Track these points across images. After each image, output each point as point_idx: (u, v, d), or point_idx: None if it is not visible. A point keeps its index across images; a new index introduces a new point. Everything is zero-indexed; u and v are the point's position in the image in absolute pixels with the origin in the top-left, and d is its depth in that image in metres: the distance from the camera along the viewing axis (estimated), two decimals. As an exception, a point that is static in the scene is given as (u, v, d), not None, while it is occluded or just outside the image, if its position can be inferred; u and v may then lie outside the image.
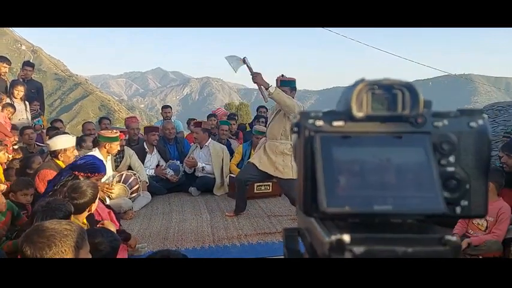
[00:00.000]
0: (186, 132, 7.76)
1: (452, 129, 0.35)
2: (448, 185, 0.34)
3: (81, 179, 3.01)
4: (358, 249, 0.30)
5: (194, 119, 6.86)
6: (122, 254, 2.92)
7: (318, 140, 0.33)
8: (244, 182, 4.23)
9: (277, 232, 3.72)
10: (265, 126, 4.85)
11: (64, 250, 1.29)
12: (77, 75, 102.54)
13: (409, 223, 0.33)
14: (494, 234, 2.98)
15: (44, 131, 5.96)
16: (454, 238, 0.31)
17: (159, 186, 5.36)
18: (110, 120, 6.84)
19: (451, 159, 0.35)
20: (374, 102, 0.34)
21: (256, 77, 3.75)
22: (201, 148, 5.68)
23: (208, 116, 7.20)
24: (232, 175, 5.42)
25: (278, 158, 3.99)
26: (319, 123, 0.34)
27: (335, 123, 0.34)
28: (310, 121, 0.34)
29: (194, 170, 5.68)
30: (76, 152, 3.94)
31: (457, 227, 3.19)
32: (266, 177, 4.25)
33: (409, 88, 0.34)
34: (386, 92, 0.34)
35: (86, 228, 2.03)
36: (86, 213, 2.46)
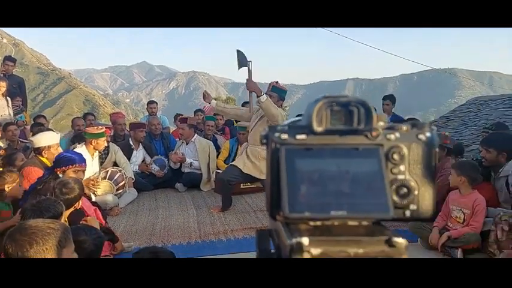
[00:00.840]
0: (172, 128, 7.75)
1: (403, 141, 0.39)
2: (399, 191, 0.38)
3: (60, 174, 3.02)
4: (316, 251, 0.34)
5: (181, 115, 6.86)
6: (104, 251, 2.94)
7: (283, 151, 0.37)
8: (227, 182, 4.28)
9: (263, 227, 3.76)
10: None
11: (46, 248, 1.30)
12: (60, 69, 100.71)
13: (364, 225, 0.37)
14: (472, 226, 3.08)
15: (28, 127, 5.89)
16: (400, 239, 0.35)
17: (145, 182, 5.36)
18: (94, 116, 6.79)
19: (402, 168, 0.39)
20: (333, 118, 0.38)
21: (251, 83, 3.93)
22: (187, 144, 5.69)
23: (196, 111, 7.21)
24: (219, 171, 5.45)
25: (261, 163, 4.12)
26: (284, 136, 0.38)
27: (298, 137, 0.38)
28: (277, 134, 0.38)
29: (180, 166, 5.69)
30: (60, 149, 3.92)
31: (438, 220, 3.28)
32: (249, 179, 4.33)
33: (364, 105, 0.38)
34: (344, 108, 0.38)
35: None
36: (70, 210, 2.47)
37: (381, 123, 0.39)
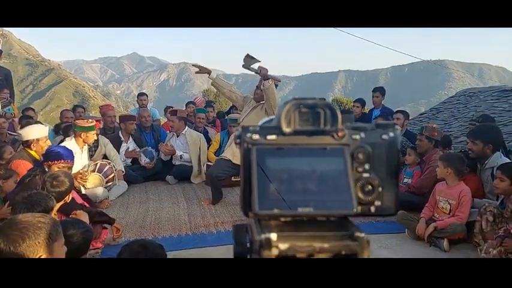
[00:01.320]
0: (163, 120, 7.73)
1: (367, 141, 0.41)
2: (364, 188, 0.41)
3: (46, 169, 3.02)
4: (283, 245, 0.36)
5: (171, 107, 6.83)
6: (103, 236, 2.97)
7: (254, 151, 0.39)
8: (215, 178, 4.29)
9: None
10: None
11: (38, 242, 1.31)
12: (49, 60, 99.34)
13: (332, 221, 0.39)
14: (458, 217, 3.14)
15: (16, 119, 5.83)
16: (362, 234, 0.37)
17: (135, 175, 5.35)
18: (84, 109, 6.73)
19: (366, 166, 0.41)
20: (301, 119, 0.40)
21: (264, 69, 3.94)
22: (177, 136, 5.68)
23: (187, 104, 7.19)
24: (209, 163, 5.46)
25: None
26: (256, 136, 0.40)
27: (269, 137, 0.40)
28: (248, 135, 0.40)
29: (171, 158, 5.68)
30: (49, 142, 3.90)
31: (424, 211, 3.34)
32: (235, 170, 4.33)
33: (330, 107, 0.40)
34: (311, 110, 0.40)
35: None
36: (60, 203, 2.47)
37: (347, 123, 0.41)
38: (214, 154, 5.70)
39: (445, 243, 3.05)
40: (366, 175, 0.41)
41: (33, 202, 1.94)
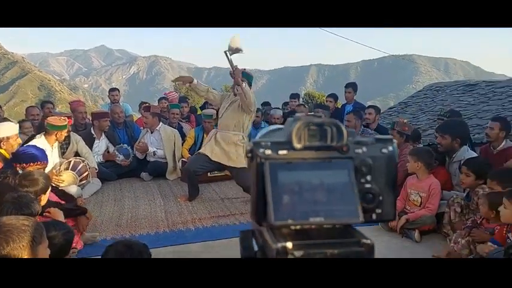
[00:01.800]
0: (136, 116, 7.61)
1: (369, 155, 0.45)
2: (366, 198, 0.45)
3: (19, 170, 2.94)
4: (298, 253, 0.40)
5: (146, 103, 6.74)
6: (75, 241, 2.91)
7: (267, 165, 0.42)
8: (193, 173, 4.27)
9: (231, 214, 3.83)
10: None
11: (22, 245, 1.30)
12: (12, 53, 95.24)
13: (337, 228, 0.43)
14: (428, 208, 3.27)
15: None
16: (368, 241, 0.41)
17: (109, 172, 5.26)
18: (53, 104, 6.54)
19: (368, 178, 0.45)
20: (309, 136, 0.43)
21: (237, 71, 3.92)
22: (151, 132, 5.62)
23: (160, 99, 7.09)
24: (184, 159, 5.44)
25: (231, 148, 4.10)
26: (268, 152, 0.43)
27: (280, 152, 0.43)
28: (261, 150, 0.43)
29: (145, 155, 5.63)
30: (19, 140, 3.78)
31: (397, 204, 3.47)
32: (217, 168, 4.33)
33: (336, 125, 0.44)
34: (319, 127, 0.44)
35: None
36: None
37: (350, 138, 0.45)
38: (189, 150, 5.68)
39: (416, 234, 3.18)
40: (367, 185, 0.45)
41: (22, 204, 1.91)
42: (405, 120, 4.47)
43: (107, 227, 3.55)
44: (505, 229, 2.46)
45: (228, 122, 4.10)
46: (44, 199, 2.49)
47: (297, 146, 0.43)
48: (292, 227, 0.43)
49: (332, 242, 0.41)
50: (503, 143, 3.80)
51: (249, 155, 0.44)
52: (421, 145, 4.21)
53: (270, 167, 0.42)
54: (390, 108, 9.95)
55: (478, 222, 2.80)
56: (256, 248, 0.52)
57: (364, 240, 0.42)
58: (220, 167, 4.28)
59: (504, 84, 7.39)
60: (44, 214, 2.48)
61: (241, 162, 4.12)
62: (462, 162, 3.35)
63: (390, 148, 0.46)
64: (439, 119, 4.74)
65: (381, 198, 0.45)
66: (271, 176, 0.42)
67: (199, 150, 4.34)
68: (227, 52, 3.91)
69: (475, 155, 3.59)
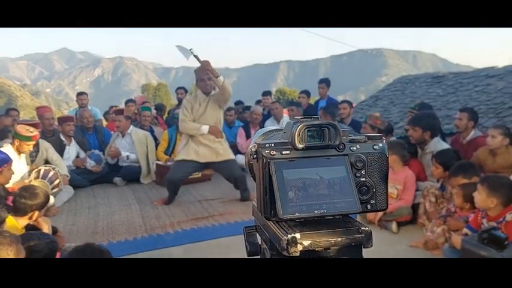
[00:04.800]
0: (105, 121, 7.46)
1: (362, 151, 0.50)
2: (361, 190, 0.50)
3: None
4: (306, 242, 0.44)
5: (115, 106, 6.62)
6: None
7: (273, 165, 0.46)
8: (178, 182, 4.24)
9: (209, 216, 3.84)
10: None
11: None
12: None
13: (337, 219, 0.48)
14: (404, 200, 3.39)
15: None
16: (367, 228, 0.46)
17: (81, 178, 5.16)
18: (18, 112, 6.31)
19: (363, 172, 0.50)
20: (310, 137, 0.48)
21: (207, 64, 3.90)
22: (123, 136, 5.54)
23: (126, 102, 6.97)
24: (159, 162, 5.40)
25: (217, 144, 4.12)
26: (273, 152, 0.47)
27: (284, 152, 0.47)
28: (267, 151, 0.47)
29: (117, 160, 5.54)
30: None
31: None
32: (204, 167, 4.32)
33: (333, 126, 0.48)
34: (318, 128, 0.48)
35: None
36: (26, 220, 2.36)
37: (344, 137, 0.50)
38: (164, 153, 5.64)
39: (394, 225, 3.29)
40: (362, 179, 0.50)
41: None
42: (377, 114, 4.60)
43: (83, 235, 3.49)
44: (479, 215, 2.58)
45: (209, 120, 4.10)
46: (36, 216, 2.42)
47: (299, 146, 0.47)
48: (298, 220, 0.47)
49: (335, 231, 0.46)
50: (472, 133, 3.96)
51: (255, 156, 0.48)
52: (393, 138, 4.33)
53: (276, 166, 0.46)
54: (362, 102, 10.16)
55: (452, 210, 2.92)
56: (259, 242, 0.56)
57: (363, 228, 0.47)
58: (203, 167, 4.28)
59: (470, 75, 7.65)
60: (31, 223, 2.41)
61: (228, 154, 4.20)
62: (435, 152, 3.48)
63: (381, 145, 0.51)
64: (410, 111, 4.89)
65: (374, 190, 0.50)
66: (277, 174, 0.46)
67: (181, 157, 4.20)
68: (191, 50, 3.94)
69: (446, 146, 3.71)
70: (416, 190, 3.47)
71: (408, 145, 3.73)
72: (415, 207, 3.39)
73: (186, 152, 4.16)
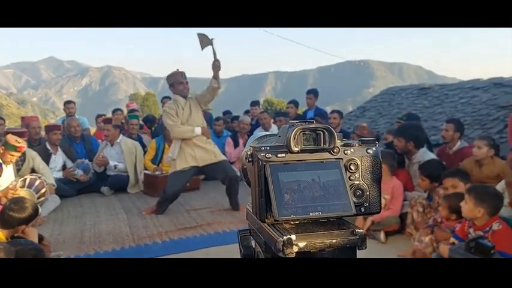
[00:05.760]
0: (93, 129, 7.40)
1: (356, 155, 0.51)
2: (355, 193, 0.51)
3: None
4: (302, 243, 0.45)
5: (103, 115, 6.58)
6: None
7: (269, 168, 0.47)
8: (179, 194, 4.22)
9: (197, 226, 3.81)
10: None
11: None
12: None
13: (331, 221, 0.49)
14: (392, 209, 3.41)
15: None
16: (360, 230, 0.47)
17: (67, 188, 5.09)
18: (4, 120, 6.22)
19: (357, 175, 0.51)
20: (305, 140, 0.49)
21: (218, 64, 3.96)
22: (111, 145, 5.49)
23: (114, 111, 6.92)
24: (147, 172, 5.36)
25: (210, 145, 4.16)
26: (269, 155, 0.48)
27: (279, 155, 0.48)
28: (262, 154, 0.48)
29: (105, 169, 5.49)
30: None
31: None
32: (197, 172, 4.32)
33: (328, 129, 0.49)
34: (313, 132, 0.49)
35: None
36: (12, 232, 2.31)
37: (339, 141, 0.51)
38: (151, 162, 5.60)
39: (382, 235, 3.30)
40: (356, 182, 0.51)
41: None
42: (364, 125, 4.66)
43: (70, 245, 3.43)
44: (466, 224, 2.61)
45: (196, 122, 4.11)
46: (23, 229, 2.37)
47: (294, 149, 0.48)
48: (293, 222, 0.47)
49: (330, 233, 0.46)
50: (458, 143, 4.02)
51: (250, 159, 0.49)
52: (381, 148, 4.38)
53: (271, 169, 0.47)
54: (349, 112, 10.27)
55: (439, 220, 2.95)
56: (253, 245, 0.56)
57: (358, 230, 0.47)
58: (200, 171, 4.27)
59: (455, 87, 7.79)
60: (19, 235, 2.37)
61: (221, 154, 4.28)
62: (421, 163, 3.52)
63: (374, 149, 0.52)
64: (398, 122, 4.96)
65: (368, 193, 0.51)
66: (272, 177, 0.46)
67: (177, 169, 4.09)
68: (212, 40, 3.92)
69: (433, 156, 3.76)
70: (404, 200, 3.49)
71: (396, 155, 3.76)
72: (402, 216, 3.41)
73: (183, 159, 4.08)
